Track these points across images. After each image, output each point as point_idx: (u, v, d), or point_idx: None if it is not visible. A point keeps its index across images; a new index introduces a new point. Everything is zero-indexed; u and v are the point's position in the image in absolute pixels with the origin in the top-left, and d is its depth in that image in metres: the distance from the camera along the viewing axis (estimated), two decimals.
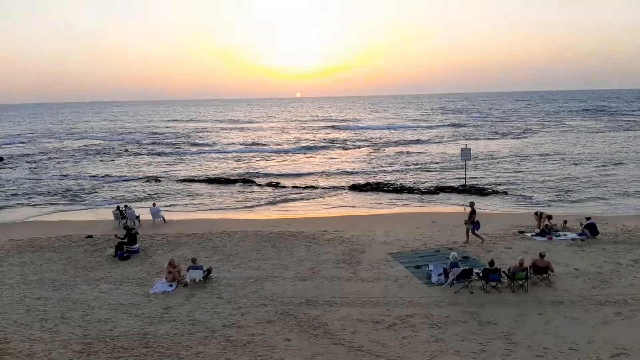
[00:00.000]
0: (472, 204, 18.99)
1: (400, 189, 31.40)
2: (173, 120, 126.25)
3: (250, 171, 41.16)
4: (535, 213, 20.58)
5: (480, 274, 13.96)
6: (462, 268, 14.06)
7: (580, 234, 18.53)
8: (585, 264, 15.65)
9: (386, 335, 11.36)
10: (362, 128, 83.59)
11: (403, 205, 27.57)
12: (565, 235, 18.80)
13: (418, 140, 62.66)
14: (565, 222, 20.06)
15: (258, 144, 63.74)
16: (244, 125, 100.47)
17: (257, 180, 36.20)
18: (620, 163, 39.59)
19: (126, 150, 59.19)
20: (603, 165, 38.55)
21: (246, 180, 36.17)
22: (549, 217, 19.75)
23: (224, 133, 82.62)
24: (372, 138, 67.00)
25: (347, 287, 14.38)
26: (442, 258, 16.20)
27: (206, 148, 60.36)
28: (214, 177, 38.02)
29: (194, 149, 59.91)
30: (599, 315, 12.08)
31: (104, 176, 40.12)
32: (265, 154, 54.09)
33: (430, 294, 13.77)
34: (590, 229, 18.43)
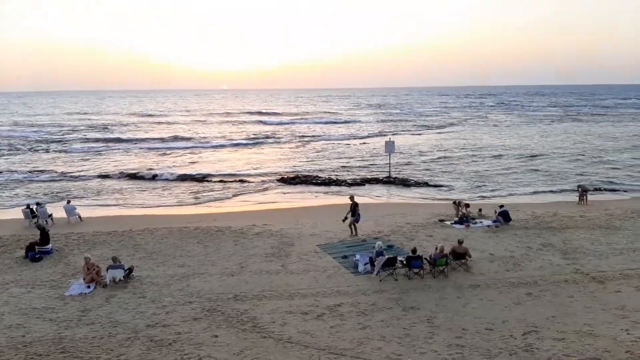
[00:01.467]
0: (352, 197, 19.20)
1: (328, 182, 31.81)
2: (79, 113, 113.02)
3: (174, 165, 39.81)
4: (454, 202, 21.67)
5: (404, 262, 14.48)
6: (386, 256, 14.49)
7: (494, 221, 19.75)
8: (500, 249, 16.72)
9: (315, 326, 11.47)
10: (288, 123, 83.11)
11: (331, 197, 27.96)
12: (481, 222, 19.96)
13: (344, 134, 63.68)
14: (480, 210, 21.30)
15: (181, 138, 60.77)
16: (161, 119, 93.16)
17: (181, 175, 35.11)
18: (533, 156, 42.48)
19: (31, 148, 51.87)
20: (518, 158, 41.27)
21: (169, 175, 34.95)
22: (467, 205, 20.88)
23: (142, 126, 77.85)
24: (299, 131, 67.23)
25: (276, 280, 14.35)
26: (369, 247, 16.60)
27: (122, 142, 56.27)
28: (133, 172, 36.26)
29: (109, 143, 55.34)
30: (512, 296, 12.95)
31: (8, 172, 36.96)
32: (189, 147, 52.03)
33: (357, 283, 14.07)
34: (504, 216, 19.69)
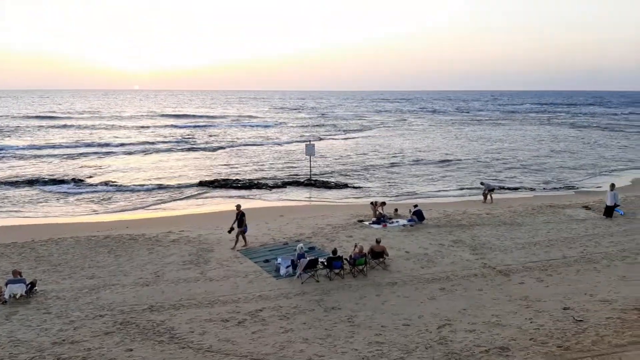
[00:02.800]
0: (238, 207, 18.07)
1: (248, 185, 31.46)
2: None
3: (82, 171, 37.26)
4: (371, 203, 22.27)
5: (325, 263, 14.62)
6: (308, 258, 14.55)
7: (409, 220, 20.56)
8: (415, 247, 17.42)
9: (236, 333, 11.23)
10: (205, 126, 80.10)
11: (252, 200, 27.64)
12: (397, 221, 20.69)
13: (262, 136, 63.38)
14: (396, 210, 22.08)
15: (89, 142, 55.84)
16: (59, 122, 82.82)
17: (89, 180, 33.00)
18: (447, 160, 44.85)
19: None
20: (430, 159, 43.36)
21: (76, 181, 32.67)
22: (383, 204, 21.59)
23: (42, 129, 70.39)
24: (216, 134, 65.84)
25: (195, 288, 13.89)
26: (291, 250, 16.58)
27: (19, 147, 50.37)
28: (34, 178, 33.37)
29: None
30: (426, 291, 13.52)
31: None
32: (92, 153, 47.42)
33: (279, 286, 14.00)
34: (418, 216, 20.56)
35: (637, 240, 18.12)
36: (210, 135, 64.20)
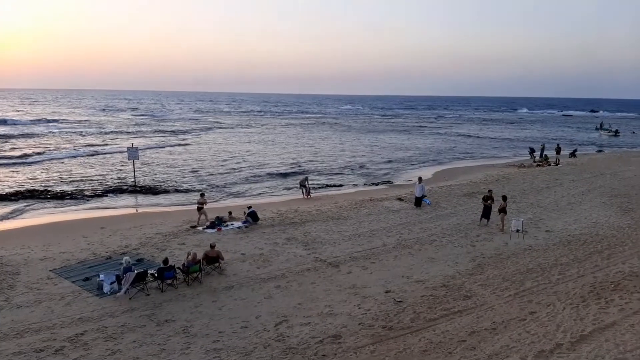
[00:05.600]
0: None
1: (61, 195, 27.94)
2: None
3: None
4: (198, 208, 21.47)
5: (156, 274, 13.73)
6: (136, 272, 13.49)
7: (244, 222, 20.50)
8: (250, 248, 17.43)
9: None
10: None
11: (66, 213, 24.61)
12: (232, 224, 20.48)
13: (79, 137, 57.15)
14: (230, 213, 21.85)
15: None
16: None
17: None
18: (295, 164, 45.80)
19: None
20: (279, 163, 43.92)
21: None
22: (201, 205, 20.99)
23: None
24: (19, 136, 57.30)
25: None
26: (116, 265, 15.21)
27: None
28: None
29: None
30: (263, 291, 13.60)
31: None
32: None
33: (103, 305, 12.69)
34: (252, 217, 20.63)
35: (442, 225, 20.81)
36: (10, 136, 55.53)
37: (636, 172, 34.78)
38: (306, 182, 28.98)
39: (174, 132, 69.90)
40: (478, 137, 71.43)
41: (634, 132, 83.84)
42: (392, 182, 34.47)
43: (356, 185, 33.42)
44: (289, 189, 31.60)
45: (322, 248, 17.53)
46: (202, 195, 22.25)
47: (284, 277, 14.68)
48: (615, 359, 9.44)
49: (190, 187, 31.17)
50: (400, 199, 26.00)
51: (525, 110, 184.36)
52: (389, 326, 11.44)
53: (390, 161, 45.00)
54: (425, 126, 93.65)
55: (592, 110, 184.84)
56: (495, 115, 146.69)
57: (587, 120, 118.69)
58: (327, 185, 32.58)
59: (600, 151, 54.92)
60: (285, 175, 36.59)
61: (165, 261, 14.01)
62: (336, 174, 37.93)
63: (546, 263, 15.71)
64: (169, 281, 13.82)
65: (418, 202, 24.38)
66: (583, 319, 11.39)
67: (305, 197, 28.06)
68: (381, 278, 14.64)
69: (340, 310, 12.33)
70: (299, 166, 40.85)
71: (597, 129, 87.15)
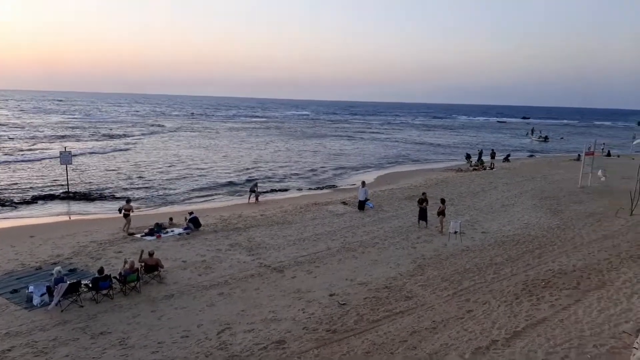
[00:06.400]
0: None
1: None
2: None
3: None
4: (121, 211, 20.54)
5: (90, 285, 13.07)
6: (68, 282, 12.79)
7: (185, 228, 19.97)
8: (192, 255, 16.98)
9: None
10: None
11: None
12: (172, 231, 19.89)
13: (6, 141, 53.64)
14: (171, 219, 21.23)
15: None
16: None
17: None
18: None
19: None
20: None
21: None
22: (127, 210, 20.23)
23: None
24: None
25: None
26: (46, 276, 14.35)
27: None
28: None
29: None
30: (205, 299, 13.27)
31: None
32: None
33: (32, 318, 11.93)
34: (194, 223, 20.13)
35: (385, 228, 21.20)
36: None
37: (564, 176, 36.98)
38: (255, 188, 28.71)
39: (110, 136, 67.10)
40: (419, 142, 73.54)
41: (562, 138, 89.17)
42: (337, 186, 34.78)
43: (301, 189, 33.47)
44: (232, 194, 31.16)
45: (267, 253, 17.38)
46: (128, 201, 21.38)
47: (226, 284, 14.41)
48: (547, 352, 9.94)
49: (128, 194, 29.97)
50: (344, 203, 26.28)
51: (464, 117, 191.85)
52: (332, 329, 11.48)
53: (334, 166, 45.41)
54: (369, 131, 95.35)
55: (524, 117, 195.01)
56: (435, 121, 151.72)
57: (520, 127, 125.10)
58: (273, 190, 32.40)
59: (531, 156, 57.96)
60: (228, 179, 36.00)
61: (101, 270, 13.38)
62: (281, 178, 37.82)
63: (482, 263, 16.36)
64: (104, 291, 13.21)
65: (361, 205, 24.74)
66: (517, 316, 11.93)
67: (254, 202, 27.80)
68: (325, 281, 14.69)
69: (284, 316, 12.25)
70: (244, 171, 40.36)
71: (527, 135, 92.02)
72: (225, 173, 38.92)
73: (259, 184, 30.37)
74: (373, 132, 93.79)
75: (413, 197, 27.67)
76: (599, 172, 34.34)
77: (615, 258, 16.42)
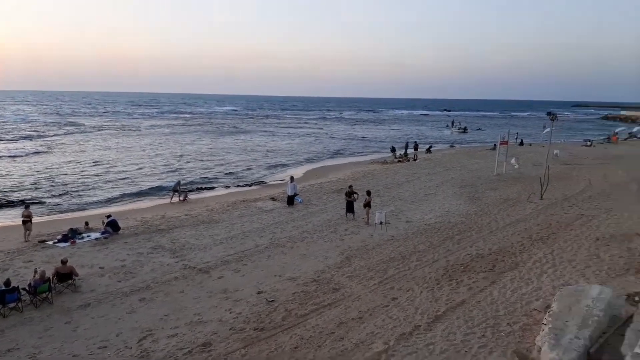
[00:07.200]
0: None
1: None
2: None
3: None
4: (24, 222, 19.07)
5: None
6: None
7: (103, 233, 18.92)
8: (110, 260, 16.11)
9: None
10: None
11: None
12: (88, 236, 18.77)
13: None
14: (87, 223, 20.05)
15: None
16: None
17: None
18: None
19: None
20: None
21: None
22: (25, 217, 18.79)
23: None
24: None
25: None
26: None
27: None
28: None
29: None
30: (125, 306, 12.64)
31: None
32: None
33: None
34: (112, 226, 19.12)
35: (313, 222, 21.29)
36: None
37: (482, 165, 39.01)
38: (178, 187, 27.78)
39: (21, 138, 62.23)
40: (346, 137, 74.66)
41: (479, 129, 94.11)
42: (265, 182, 34.49)
43: (228, 187, 32.81)
44: (154, 194, 29.95)
45: (192, 254, 16.86)
46: (27, 207, 19.85)
47: (149, 289, 13.82)
48: (465, 334, 10.39)
49: (40, 198, 27.95)
50: (273, 199, 26.09)
51: (393, 111, 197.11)
52: (260, 327, 11.34)
53: (263, 162, 45.01)
54: (298, 126, 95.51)
55: (445, 110, 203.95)
56: (363, 115, 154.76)
57: (441, 119, 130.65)
58: (199, 189, 31.52)
59: (452, 147, 60.66)
60: (150, 180, 34.56)
61: (7, 282, 12.38)
62: (207, 176, 36.85)
63: (406, 251, 16.87)
64: (12, 304, 12.22)
65: (290, 200, 24.68)
66: (438, 300, 12.39)
67: (178, 201, 26.82)
68: (254, 279, 14.50)
69: (210, 317, 11.94)
70: (167, 170, 38.94)
71: (448, 127, 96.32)
72: (146, 174, 37.29)
73: (182, 182, 29.37)
74: (302, 126, 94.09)
75: (341, 190, 28.01)
76: (512, 160, 36.57)
77: (527, 240, 17.52)
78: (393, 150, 49.37)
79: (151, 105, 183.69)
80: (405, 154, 46.39)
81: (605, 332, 8.76)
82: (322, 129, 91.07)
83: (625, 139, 65.98)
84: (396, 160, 44.03)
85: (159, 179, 34.63)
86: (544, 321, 9.66)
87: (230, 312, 12.21)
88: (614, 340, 8.37)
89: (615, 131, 69.17)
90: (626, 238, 16.33)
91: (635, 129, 75.72)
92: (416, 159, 43.47)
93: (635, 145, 56.56)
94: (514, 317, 11.04)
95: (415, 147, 51.25)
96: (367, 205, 21.12)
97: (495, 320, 10.90)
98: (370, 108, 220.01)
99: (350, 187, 22.75)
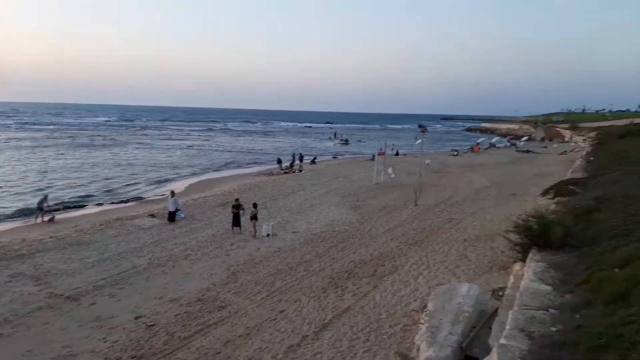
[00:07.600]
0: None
1: None
2: None
3: None
4: None
5: None
6: None
7: None
8: None
9: None
10: None
11: None
12: None
13: None
14: None
15: None
16: None
17: None
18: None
19: None
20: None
21: None
22: None
23: None
24: None
25: None
26: None
27: None
28: None
29: None
30: None
31: None
32: None
33: None
34: None
35: (197, 238, 20.49)
36: None
37: (362, 175, 40.73)
38: (45, 203, 25.03)
39: None
40: (231, 149, 73.65)
41: (360, 141, 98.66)
42: (143, 198, 32.55)
43: (101, 204, 30.40)
44: (15, 216, 26.72)
45: (59, 281, 15.23)
46: None
47: (7, 323, 12.19)
48: (351, 339, 10.64)
49: None
50: (152, 216, 24.66)
51: (277, 123, 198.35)
52: (139, 355, 10.56)
53: (140, 176, 42.50)
54: (179, 138, 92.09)
55: (328, 122, 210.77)
56: (250, 126, 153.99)
57: (324, 131, 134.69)
58: (66, 208, 28.74)
59: (334, 158, 62.78)
60: (11, 200, 30.81)
61: None
62: (78, 193, 33.78)
63: (293, 262, 16.94)
64: None
65: (171, 216, 23.54)
66: (324, 309, 12.56)
67: (42, 222, 24.18)
68: (131, 304, 13.49)
69: (81, 349, 10.84)
70: (32, 188, 34.98)
71: (330, 138, 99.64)
72: (5, 194, 33.17)
73: (48, 199, 26.40)
74: (185, 138, 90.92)
75: (227, 204, 27.41)
76: (389, 170, 38.76)
77: (404, 245, 18.57)
78: (279, 161, 49.71)
79: (7, 116, 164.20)
80: (292, 166, 46.97)
81: (475, 327, 9.51)
82: (207, 140, 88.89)
83: (486, 149, 73.48)
84: (282, 171, 44.35)
85: (20, 200, 30.89)
86: (422, 320, 10.23)
87: (105, 342, 11.20)
88: (483, 333, 9.11)
89: (478, 142, 76.78)
90: (489, 238, 18.03)
91: (494, 140, 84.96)
92: (302, 170, 44.18)
93: (494, 154, 63.20)
94: (395, 319, 11.56)
95: (301, 159, 52.15)
96: (254, 217, 20.90)
97: (378, 324, 11.32)
98: (256, 120, 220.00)
99: (236, 200, 22.35)
